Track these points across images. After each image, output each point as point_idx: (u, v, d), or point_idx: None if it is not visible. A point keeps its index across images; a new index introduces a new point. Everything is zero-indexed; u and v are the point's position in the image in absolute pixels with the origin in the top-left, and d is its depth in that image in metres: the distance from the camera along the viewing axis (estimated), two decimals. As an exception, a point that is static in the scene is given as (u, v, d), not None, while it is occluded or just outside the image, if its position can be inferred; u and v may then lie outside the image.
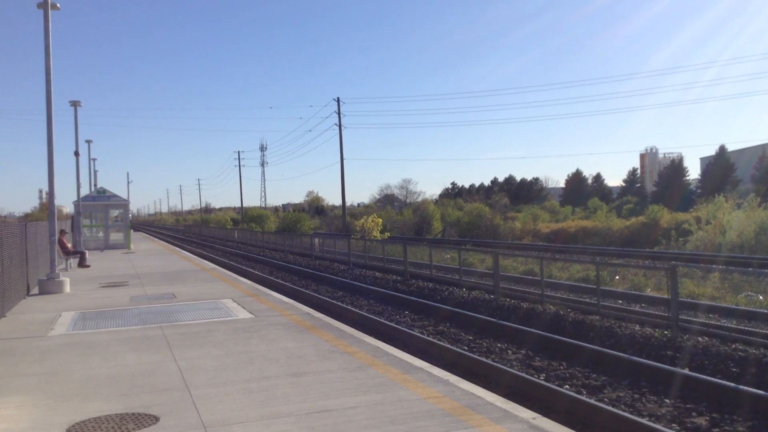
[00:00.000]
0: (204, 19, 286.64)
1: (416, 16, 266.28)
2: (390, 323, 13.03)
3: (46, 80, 15.15)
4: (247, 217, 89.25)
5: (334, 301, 16.44)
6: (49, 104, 15.24)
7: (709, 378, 8.19)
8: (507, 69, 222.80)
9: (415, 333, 11.91)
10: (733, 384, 7.86)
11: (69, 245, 22.94)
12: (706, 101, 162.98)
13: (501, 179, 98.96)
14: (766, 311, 11.61)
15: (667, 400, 7.79)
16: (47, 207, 17.25)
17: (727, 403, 7.46)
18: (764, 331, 10.23)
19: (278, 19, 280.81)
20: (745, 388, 7.65)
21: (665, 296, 12.09)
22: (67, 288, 15.17)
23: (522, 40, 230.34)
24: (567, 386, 8.49)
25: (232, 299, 12.89)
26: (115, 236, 36.14)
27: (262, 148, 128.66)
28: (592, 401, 7.43)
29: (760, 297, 14.47)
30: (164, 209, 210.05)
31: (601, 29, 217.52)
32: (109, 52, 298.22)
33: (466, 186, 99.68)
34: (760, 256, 22.14)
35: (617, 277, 18.26)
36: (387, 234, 44.37)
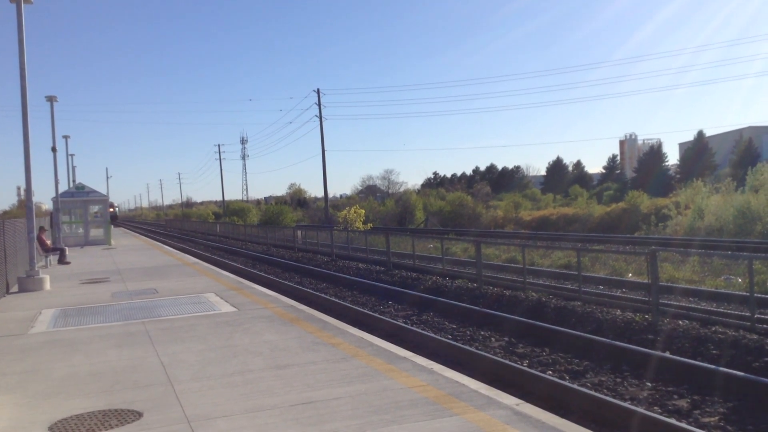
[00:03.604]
0: (181, 12, 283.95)
1: (395, 5, 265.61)
2: (373, 313, 13.06)
3: (20, 75, 14.92)
4: (228, 210, 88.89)
5: (318, 293, 16.44)
6: (24, 100, 15.03)
7: (689, 360, 8.29)
8: (487, 57, 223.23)
9: (398, 323, 11.94)
10: (713, 366, 7.96)
11: (48, 242, 22.71)
12: (684, 87, 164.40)
13: (482, 168, 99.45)
14: (743, 294, 11.76)
15: (649, 384, 7.88)
16: (25, 204, 17.04)
17: (708, 385, 7.56)
18: (742, 313, 10.37)
19: (256, 11, 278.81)
20: (725, 369, 7.76)
21: (646, 281, 12.22)
22: (47, 285, 15.02)
23: (501, 27, 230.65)
24: (550, 372, 8.55)
25: (215, 293, 12.83)
26: (95, 232, 35.77)
27: (243, 141, 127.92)
28: (575, 386, 7.49)
29: (739, 279, 14.66)
30: (145, 204, 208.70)
31: (580, 14, 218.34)
32: (86, 46, 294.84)
33: (448, 175, 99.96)
34: (738, 240, 22.44)
35: (596, 264, 18.40)
36: (370, 225, 44.35)
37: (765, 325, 9.45)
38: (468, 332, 11.30)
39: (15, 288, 15.22)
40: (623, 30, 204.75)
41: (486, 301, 13.66)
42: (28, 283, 14.84)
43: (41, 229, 21.57)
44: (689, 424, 6.42)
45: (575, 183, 76.47)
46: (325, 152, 58.01)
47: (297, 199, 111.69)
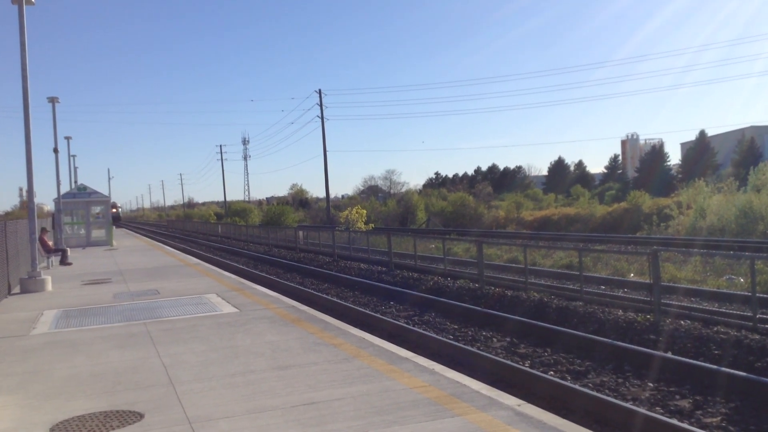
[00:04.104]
0: (182, 12, 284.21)
1: (396, 5, 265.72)
2: (375, 314, 13.05)
3: (22, 77, 14.94)
4: (230, 211, 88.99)
5: (319, 294, 16.43)
6: (26, 101, 15.04)
7: (691, 361, 8.28)
8: (488, 56, 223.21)
9: (400, 323, 11.93)
10: (715, 366, 7.95)
11: (50, 243, 22.72)
12: (686, 86, 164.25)
13: (484, 168, 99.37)
14: (745, 293, 11.75)
15: (651, 384, 7.87)
16: (27, 205, 17.06)
17: (710, 385, 7.55)
18: (745, 313, 10.36)
19: (257, 11, 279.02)
20: (727, 369, 7.75)
21: (647, 281, 12.21)
22: (49, 286, 15.03)
23: (502, 26, 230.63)
24: (551, 372, 8.54)
25: (217, 294, 12.83)
26: (97, 233, 35.82)
27: (245, 142, 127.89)
28: (576, 387, 7.49)
29: (741, 279, 14.64)
30: (146, 205, 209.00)
31: (581, 14, 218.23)
32: (87, 46, 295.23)
33: (450, 175, 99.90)
34: (740, 239, 22.41)
35: (598, 264, 18.39)
36: (371, 225, 44.37)
37: (767, 325, 9.43)
38: (470, 332, 11.29)
39: (17, 289, 15.24)
40: (625, 29, 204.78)
41: (488, 302, 13.65)
42: (30, 284, 14.85)
43: (43, 230, 21.59)
44: (691, 424, 6.40)
45: (577, 183, 76.44)
46: (327, 153, 58.12)
47: (299, 200, 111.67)
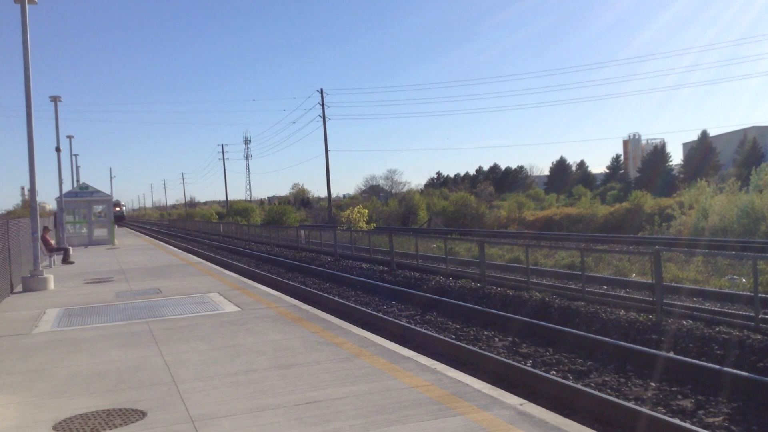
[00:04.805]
0: (185, 12, 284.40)
1: (399, 5, 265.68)
2: (377, 313, 13.05)
3: (24, 76, 14.95)
4: (232, 210, 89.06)
5: (321, 293, 16.44)
6: (28, 100, 15.05)
7: (693, 361, 8.27)
8: (491, 57, 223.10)
9: (402, 323, 11.93)
10: (717, 366, 7.94)
11: (52, 242, 22.76)
12: (689, 87, 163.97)
13: (486, 168, 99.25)
14: (748, 294, 11.72)
15: (653, 384, 7.86)
16: (29, 204, 17.08)
17: (712, 385, 7.55)
18: (747, 314, 10.34)
19: (259, 11, 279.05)
20: (729, 369, 7.74)
21: (650, 281, 12.20)
22: (51, 285, 15.04)
23: (505, 27, 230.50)
24: (553, 372, 8.54)
25: (219, 293, 12.84)
26: (99, 232, 35.87)
27: (246, 141, 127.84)
28: (579, 386, 7.48)
29: (743, 280, 14.61)
30: (149, 204, 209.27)
31: (584, 15, 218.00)
32: (90, 46, 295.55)
33: (452, 175, 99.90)
34: (743, 240, 22.38)
35: (600, 264, 18.36)
36: (373, 225, 44.33)
37: (769, 326, 9.42)
38: (472, 332, 11.29)
39: (19, 288, 15.26)
40: (628, 30, 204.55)
41: (490, 301, 13.64)
42: (33, 283, 14.87)
43: (45, 228, 21.62)
44: (694, 424, 6.40)
45: (579, 183, 76.37)
46: (329, 152, 58.10)
47: (300, 199, 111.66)
